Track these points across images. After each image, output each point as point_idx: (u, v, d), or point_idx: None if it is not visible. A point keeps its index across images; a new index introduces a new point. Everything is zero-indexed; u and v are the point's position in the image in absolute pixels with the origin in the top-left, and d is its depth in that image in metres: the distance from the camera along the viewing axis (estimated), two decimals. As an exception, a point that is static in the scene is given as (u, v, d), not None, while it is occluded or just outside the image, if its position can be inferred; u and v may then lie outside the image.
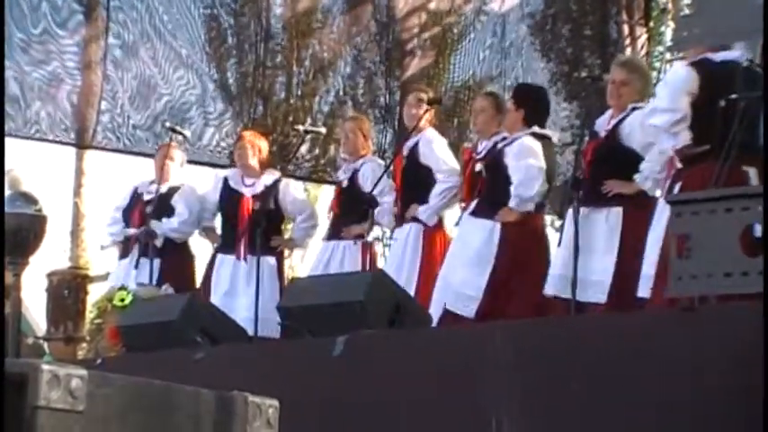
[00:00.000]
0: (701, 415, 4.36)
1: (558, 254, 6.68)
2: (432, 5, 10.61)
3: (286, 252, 9.18)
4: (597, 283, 6.41)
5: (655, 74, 11.32)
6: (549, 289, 6.61)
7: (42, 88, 9.65)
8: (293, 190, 8.54)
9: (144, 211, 8.48)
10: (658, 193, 6.46)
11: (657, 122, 6.03)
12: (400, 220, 7.90)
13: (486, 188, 7.21)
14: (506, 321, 6.35)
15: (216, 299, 8.08)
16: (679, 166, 6.02)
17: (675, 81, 6.03)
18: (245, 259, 8.20)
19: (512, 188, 7.09)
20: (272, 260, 8.21)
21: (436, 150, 7.86)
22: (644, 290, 6.05)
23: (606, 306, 6.39)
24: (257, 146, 8.48)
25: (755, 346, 4.14)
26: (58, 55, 9.73)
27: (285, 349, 6.00)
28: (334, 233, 8.15)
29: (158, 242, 8.44)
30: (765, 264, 4.23)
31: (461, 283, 7.05)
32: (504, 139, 7.33)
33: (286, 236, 8.92)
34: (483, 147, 7.47)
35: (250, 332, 7.15)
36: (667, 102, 5.98)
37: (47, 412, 2.29)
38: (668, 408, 4.43)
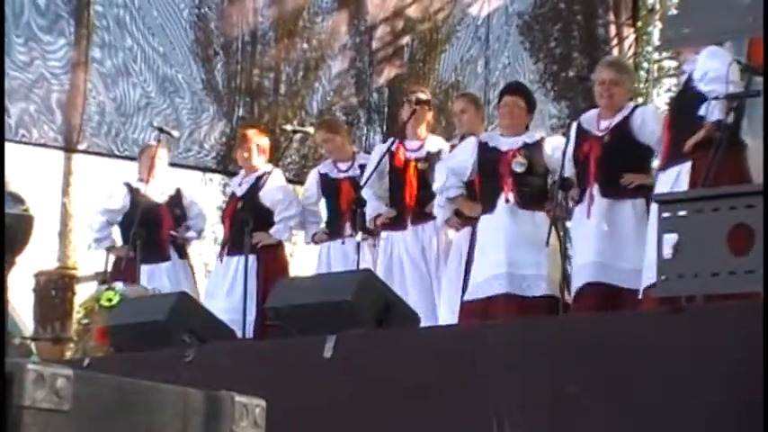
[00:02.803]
0: (700, 414, 4.36)
1: (586, 244, 6.71)
2: (410, 10, 10.63)
3: (288, 247, 9.17)
4: (638, 271, 6.39)
5: (642, 73, 11.37)
6: (591, 277, 6.62)
7: (26, 90, 9.62)
8: (271, 182, 8.34)
9: (172, 213, 8.56)
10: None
11: (720, 90, 5.88)
12: (417, 217, 7.87)
13: (529, 181, 7.19)
14: (498, 321, 6.35)
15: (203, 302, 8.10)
16: (689, 144, 6.00)
17: (726, 57, 5.97)
18: (221, 261, 8.24)
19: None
20: (251, 259, 8.15)
21: None
22: (647, 279, 6.08)
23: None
24: (262, 146, 8.44)
25: (747, 345, 4.15)
26: (41, 57, 9.70)
27: (273, 349, 5.99)
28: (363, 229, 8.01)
29: (189, 246, 8.71)
30: (765, 263, 4.23)
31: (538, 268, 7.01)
32: (540, 137, 7.34)
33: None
34: (503, 142, 7.39)
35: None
36: (730, 76, 5.88)
37: (32, 412, 2.29)
38: (665, 406, 4.43)
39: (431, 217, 7.78)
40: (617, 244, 6.63)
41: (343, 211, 8.12)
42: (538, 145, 7.24)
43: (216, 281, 8.29)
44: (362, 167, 8.17)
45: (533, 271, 6.99)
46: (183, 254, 8.68)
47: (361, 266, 7.28)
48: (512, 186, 7.16)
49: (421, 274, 7.78)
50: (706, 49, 6.04)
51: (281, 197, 8.34)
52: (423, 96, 8.10)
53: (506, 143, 7.27)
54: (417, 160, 7.92)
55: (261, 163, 8.36)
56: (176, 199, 8.70)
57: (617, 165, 6.73)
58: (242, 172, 8.50)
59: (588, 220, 6.72)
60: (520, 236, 7.09)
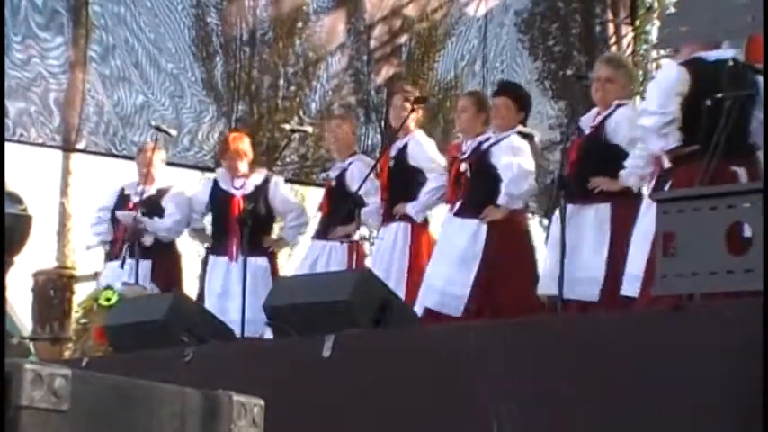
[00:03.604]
0: (700, 415, 4.36)
1: (548, 253, 6.66)
2: (408, 9, 10.63)
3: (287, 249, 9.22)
4: (588, 280, 6.39)
5: (641, 72, 11.36)
6: (543, 289, 6.59)
7: (24, 89, 9.61)
8: (282, 189, 8.56)
9: (135, 211, 8.49)
10: (645, 189, 6.48)
11: (647, 124, 5.96)
12: (386, 219, 7.90)
13: (471, 188, 7.19)
14: (495, 320, 6.35)
15: (209, 301, 8.08)
16: (668, 165, 6.01)
17: (666, 82, 5.99)
18: (236, 260, 8.21)
19: (502, 185, 7.07)
20: (263, 261, 8.20)
21: (427, 151, 7.87)
22: (630, 288, 6.05)
23: (598, 304, 6.37)
24: (243, 151, 8.49)
25: (745, 343, 4.15)
26: (39, 55, 9.70)
27: (272, 349, 5.99)
28: (323, 233, 8.15)
29: (147, 241, 8.43)
30: (765, 262, 4.23)
31: (447, 282, 7.04)
32: (488, 138, 7.32)
33: (273, 235, 8.90)
34: (467, 146, 7.45)
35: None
36: (657, 103, 5.93)
37: (30, 412, 2.29)
38: (665, 406, 4.43)
39: (394, 219, 7.78)
40: (573, 253, 6.42)
41: (322, 210, 8.29)
42: (488, 149, 7.20)
43: (227, 280, 8.26)
44: (343, 171, 8.22)
45: (431, 281, 7.12)
46: (136, 253, 8.51)
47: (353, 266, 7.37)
48: (457, 192, 7.22)
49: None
50: (657, 72, 6.05)
51: (294, 205, 8.71)
52: (419, 95, 8.14)
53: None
54: (391, 158, 7.96)
55: (244, 167, 8.44)
56: (153, 198, 8.61)
57: (588, 167, 6.61)
58: (225, 170, 8.54)
59: (556, 226, 6.55)
60: (441, 246, 7.21)
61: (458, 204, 7.24)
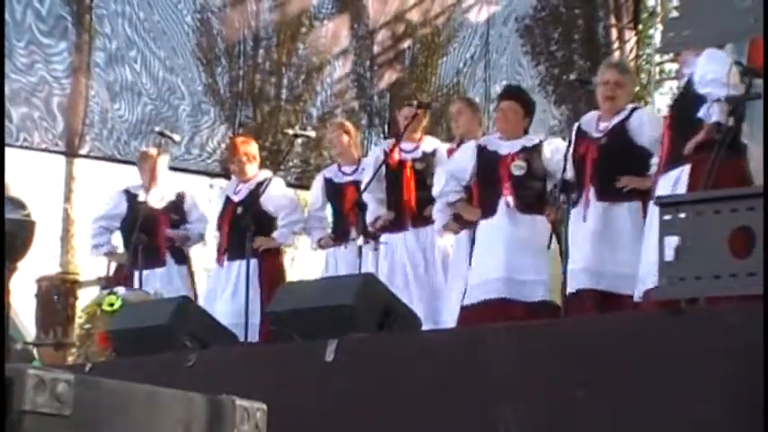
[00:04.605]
0: (701, 417, 4.36)
1: (580, 249, 6.62)
2: (411, 14, 10.65)
3: (290, 252, 9.19)
4: (634, 275, 6.37)
5: (644, 76, 11.38)
6: (582, 284, 6.58)
7: (27, 94, 9.63)
8: (273, 188, 8.40)
9: (169, 218, 8.50)
10: None
11: (722, 95, 5.86)
12: (416, 221, 7.86)
13: (529, 185, 7.18)
14: (500, 325, 6.34)
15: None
16: (690, 146, 5.98)
17: (726, 60, 5.95)
18: (221, 264, 8.24)
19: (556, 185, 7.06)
20: (252, 262, 8.17)
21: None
22: (642, 287, 6.06)
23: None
24: (251, 154, 8.47)
25: (748, 346, 4.15)
26: (42, 60, 9.72)
27: (275, 353, 5.99)
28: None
29: (190, 248, 8.58)
30: (766, 264, 4.23)
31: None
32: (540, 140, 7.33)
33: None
34: (511, 146, 7.34)
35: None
36: (730, 77, 5.85)
37: (33, 417, 2.29)
38: (667, 409, 4.43)
39: (431, 220, 7.76)
40: (612, 249, 6.58)
41: (346, 215, 8.13)
42: (536, 148, 7.22)
43: (216, 285, 8.29)
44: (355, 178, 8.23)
45: (533, 276, 6.98)
46: (180, 259, 8.63)
47: (364, 271, 7.28)
48: (511, 190, 7.15)
49: (421, 277, 7.77)
50: (705, 51, 6.02)
51: (285, 202, 8.44)
52: (425, 100, 8.15)
53: (505, 147, 7.25)
54: (414, 160, 7.93)
55: (253, 170, 8.40)
56: (176, 204, 8.67)
57: (614, 167, 6.70)
58: (234, 178, 8.53)
59: (584, 223, 6.67)
60: (520, 240, 7.07)
61: (513, 200, 7.15)
